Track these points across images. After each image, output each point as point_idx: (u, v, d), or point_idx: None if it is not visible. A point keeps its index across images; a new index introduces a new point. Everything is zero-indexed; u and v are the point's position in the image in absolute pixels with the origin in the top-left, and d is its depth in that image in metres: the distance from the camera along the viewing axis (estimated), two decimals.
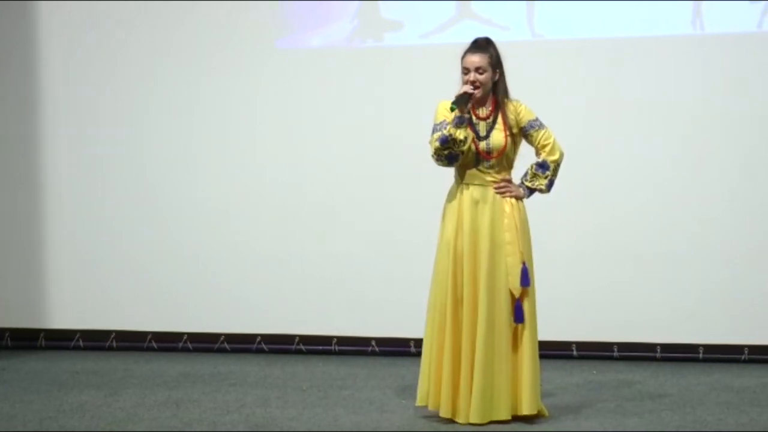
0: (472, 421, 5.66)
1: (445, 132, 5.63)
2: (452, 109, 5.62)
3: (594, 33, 7.25)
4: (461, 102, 5.60)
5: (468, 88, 5.63)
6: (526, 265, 5.69)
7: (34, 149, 7.86)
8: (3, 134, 7.89)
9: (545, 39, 7.32)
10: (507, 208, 5.72)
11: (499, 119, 5.73)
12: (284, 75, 7.59)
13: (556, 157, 5.78)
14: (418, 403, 5.85)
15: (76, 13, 7.74)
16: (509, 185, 5.76)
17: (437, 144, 5.64)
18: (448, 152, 5.65)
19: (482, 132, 5.72)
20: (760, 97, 7.10)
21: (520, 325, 5.70)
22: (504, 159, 5.75)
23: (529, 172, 5.81)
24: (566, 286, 7.19)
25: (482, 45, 5.74)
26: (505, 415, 5.70)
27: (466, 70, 5.70)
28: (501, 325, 5.67)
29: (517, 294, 5.67)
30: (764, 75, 7.10)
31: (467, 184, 5.75)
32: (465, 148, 5.65)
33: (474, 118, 5.73)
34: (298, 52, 7.59)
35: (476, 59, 5.68)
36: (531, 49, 7.28)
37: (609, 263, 7.25)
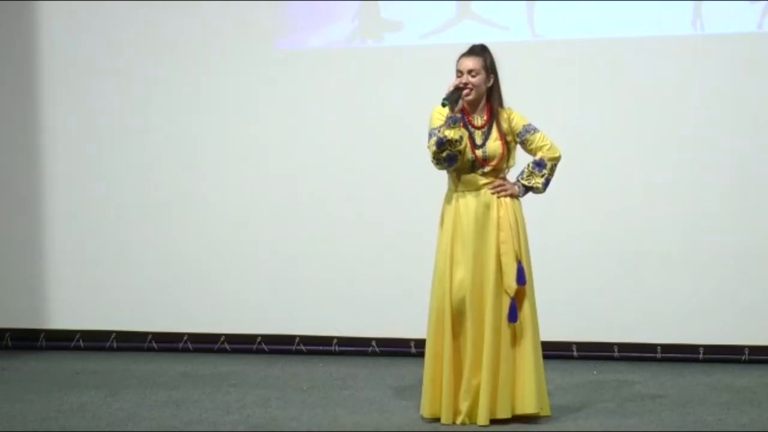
0: (479, 422, 5.67)
1: (439, 134, 5.65)
2: (444, 105, 5.62)
3: (594, 33, 7.25)
4: (453, 97, 5.62)
5: (459, 83, 5.66)
6: (522, 263, 5.70)
7: (34, 150, 7.86)
8: (3, 134, 7.89)
9: (545, 39, 7.32)
10: (502, 208, 5.72)
11: (494, 128, 5.74)
12: (284, 75, 7.59)
13: (555, 155, 5.79)
14: (423, 413, 5.80)
15: (76, 14, 7.75)
16: (504, 184, 5.76)
17: (434, 148, 5.66)
18: (446, 154, 5.66)
19: (478, 141, 5.73)
20: (760, 98, 7.10)
21: (519, 324, 5.71)
22: (500, 165, 5.77)
23: (526, 170, 5.81)
24: (566, 286, 7.19)
25: (477, 50, 5.79)
26: (505, 414, 5.70)
27: (459, 73, 5.74)
28: (505, 326, 5.68)
29: (511, 293, 5.67)
30: (764, 75, 7.10)
31: (462, 191, 5.75)
32: (462, 147, 5.66)
33: (470, 126, 5.74)
34: (298, 52, 7.59)
35: (469, 62, 5.72)
36: (531, 49, 7.28)
37: (609, 263, 7.25)
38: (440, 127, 5.66)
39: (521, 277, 5.68)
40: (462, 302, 5.68)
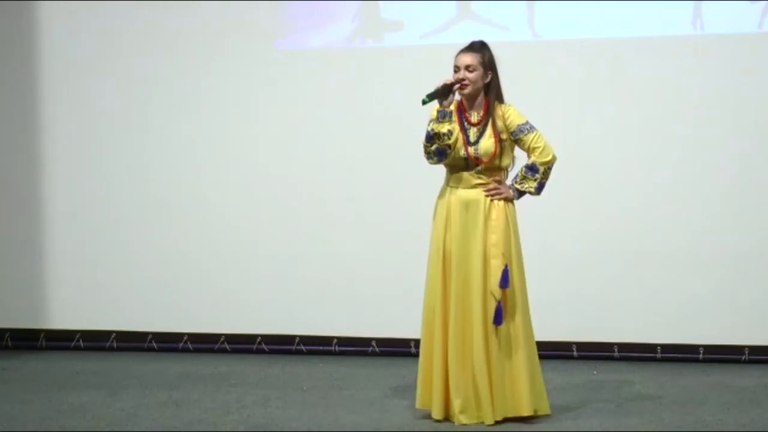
0: (488, 421, 5.68)
1: (428, 128, 5.66)
2: (424, 102, 5.62)
3: (594, 33, 7.25)
4: (438, 94, 5.62)
5: (449, 81, 5.66)
6: (508, 267, 5.67)
7: (34, 150, 7.86)
8: (3, 134, 7.89)
9: (545, 39, 7.32)
10: (494, 210, 5.71)
11: (489, 125, 5.73)
12: (284, 75, 7.59)
13: (547, 159, 5.75)
14: (417, 405, 5.86)
15: (76, 14, 7.75)
16: (499, 187, 5.75)
17: (424, 141, 5.69)
18: (435, 148, 5.69)
19: (472, 138, 5.73)
20: (760, 98, 7.10)
21: (511, 327, 5.69)
22: (494, 164, 5.76)
23: (519, 174, 5.80)
24: (566, 286, 7.19)
25: (476, 46, 5.79)
26: (499, 416, 5.70)
27: (456, 68, 5.74)
28: (495, 328, 5.68)
29: (497, 296, 5.66)
30: (764, 75, 7.10)
31: (456, 187, 5.76)
32: (450, 141, 5.67)
33: (465, 123, 5.74)
34: (298, 52, 7.59)
35: (467, 58, 5.72)
36: (531, 49, 7.28)
37: (609, 263, 7.25)
38: (432, 120, 5.68)
39: (504, 281, 5.66)
40: (450, 302, 5.69)
